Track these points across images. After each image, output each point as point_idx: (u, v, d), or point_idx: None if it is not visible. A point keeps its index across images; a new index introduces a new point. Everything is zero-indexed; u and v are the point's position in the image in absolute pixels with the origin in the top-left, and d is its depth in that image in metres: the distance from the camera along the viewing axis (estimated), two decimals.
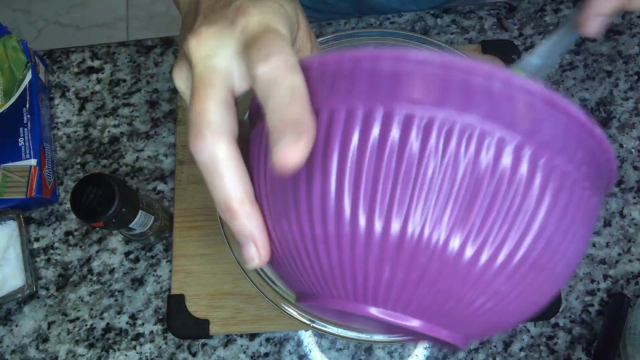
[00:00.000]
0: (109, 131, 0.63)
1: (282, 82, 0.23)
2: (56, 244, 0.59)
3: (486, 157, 0.21)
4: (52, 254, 0.59)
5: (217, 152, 0.25)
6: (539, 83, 0.22)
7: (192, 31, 0.26)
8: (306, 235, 0.24)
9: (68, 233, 0.59)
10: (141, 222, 0.51)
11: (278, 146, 0.22)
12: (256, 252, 0.26)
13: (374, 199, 0.22)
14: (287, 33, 0.26)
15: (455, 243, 0.22)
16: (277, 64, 0.23)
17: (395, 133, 0.22)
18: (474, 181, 0.21)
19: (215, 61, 0.26)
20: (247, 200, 0.25)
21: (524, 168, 0.21)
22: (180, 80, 0.28)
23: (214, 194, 0.26)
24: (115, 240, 0.59)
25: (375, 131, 0.22)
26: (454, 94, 0.21)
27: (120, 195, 0.46)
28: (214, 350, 0.55)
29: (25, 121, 0.59)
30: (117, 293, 0.57)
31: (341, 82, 0.23)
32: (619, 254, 0.57)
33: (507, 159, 0.21)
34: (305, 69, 0.25)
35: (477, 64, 0.21)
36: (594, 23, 0.34)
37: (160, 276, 0.58)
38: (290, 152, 0.22)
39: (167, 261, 0.58)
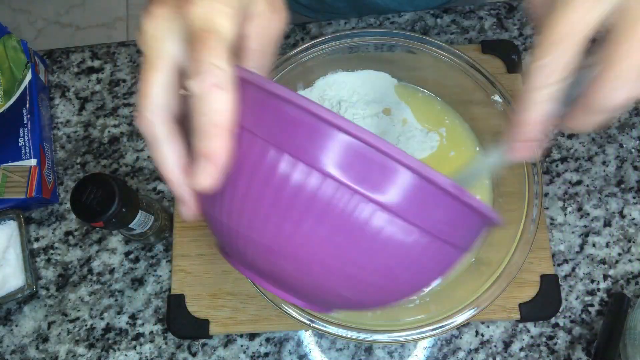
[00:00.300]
0: (109, 131, 0.63)
1: (206, 103, 0.26)
2: (56, 244, 0.59)
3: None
4: (52, 254, 0.59)
5: (156, 131, 0.29)
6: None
7: (146, 8, 0.28)
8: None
9: (68, 233, 0.59)
10: (141, 222, 0.51)
11: (195, 171, 0.27)
12: (185, 209, 0.31)
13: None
14: (228, 26, 0.27)
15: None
16: (205, 82, 0.26)
17: (296, 176, 0.26)
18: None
19: (163, 45, 0.28)
20: (177, 171, 0.29)
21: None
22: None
23: (154, 161, 0.30)
24: (115, 240, 0.59)
25: (279, 169, 0.26)
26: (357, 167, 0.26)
27: (120, 195, 0.46)
28: (214, 350, 0.55)
29: (25, 121, 0.59)
30: (117, 293, 0.57)
31: (263, 114, 0.27)
32: (619, 254, 0.57)
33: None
34: (240, 78, 0.27)
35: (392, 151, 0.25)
36: (524, 148, 0.28)
37: (160, 276, 0.58)
38: (204, 180, 0.27)
39: (167, 261, 0.58)
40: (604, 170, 0.59)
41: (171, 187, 0.30)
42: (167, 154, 0.29)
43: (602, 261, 0.56)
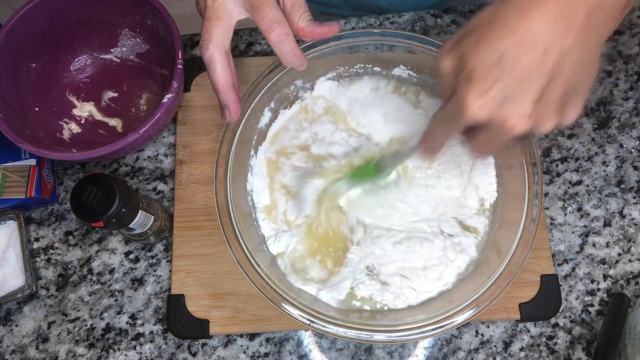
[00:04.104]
0: None
1: (284, 46, 0.43)
2: (56, 244, 0.59)
3: None
4: (52, 254, 0.59)
5: (213, 57, 0.43)
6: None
7: None
8: None
9: (68, 233, 0.59)
10: (141, 222, 0.51)
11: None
12: (229, 114, 0.46)
13: None
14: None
15: None
16: (278, 32, 0.42)
17: None
18: None
19: (228, 4, 0.43)
20: (226, 84, 0.45)
21: None
22: None
23: (210, 80, 0.45)
24: (115, 240, 0.59)
25: None
26: None
27: (120, 195, 0.46)
28: (214, 350, 0.55)
29: None
30: (117, 293, 0.57)
31: None
32: (619, 254, 0.57)
33: None
34: None
35: None
36: (428, 156, 0.45)
37: (160, 276, 0.57)
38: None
39: (167, 261, 0.58)
40: (604, 170, 0.59)
41: (219, 95, 0.45)
42: (219, 72, 0.44)
43: (602, 261, 0.56)
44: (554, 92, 0.34)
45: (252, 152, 0.56)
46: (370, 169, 0.53)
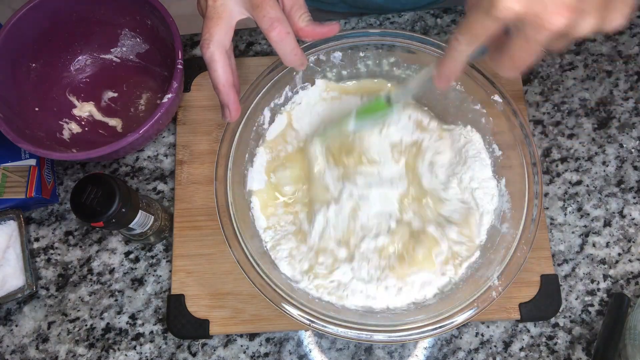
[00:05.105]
0: None
1: (285, 44, 0.43)
2: (56, 244, 0.59)
3: None
4: (52, 254, 0.59)
5: (214, 56, 0.43)
6: None
7: None
8: None
9: (68, 233, 0.59)
10: (141, 222, 0.51)
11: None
12: (229, 113, 0.46)
13: None
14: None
15: None
16: (279, 31, 0.42)
17: None
18: None
19: (230, 4, 0.43)
20: (227, 84, 0.45)
21: None
22: None
23: (211, 78, 0.45)
24: (115, 240, 0.59)
25: None
26: None
27: (120, 195, 0.46)
28: (214, 350, 0.55)
29: None
30: (117, 293, 0.57)
31: None
32: (619, 254, 0.57)
33: None
34: None
35: None
36: (444, 82, 0.39)
37: (160, 276, 0.57)
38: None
39: (167, 261, 0.58)
40: (604, 170, 0.59)
41: (219, 95, 0.45)
42: (220, 72, 0.44)
43: (602, 261, 0.56)
44: None
45: (253, 152, 0.56)
46: (380, 104, 0.49)
